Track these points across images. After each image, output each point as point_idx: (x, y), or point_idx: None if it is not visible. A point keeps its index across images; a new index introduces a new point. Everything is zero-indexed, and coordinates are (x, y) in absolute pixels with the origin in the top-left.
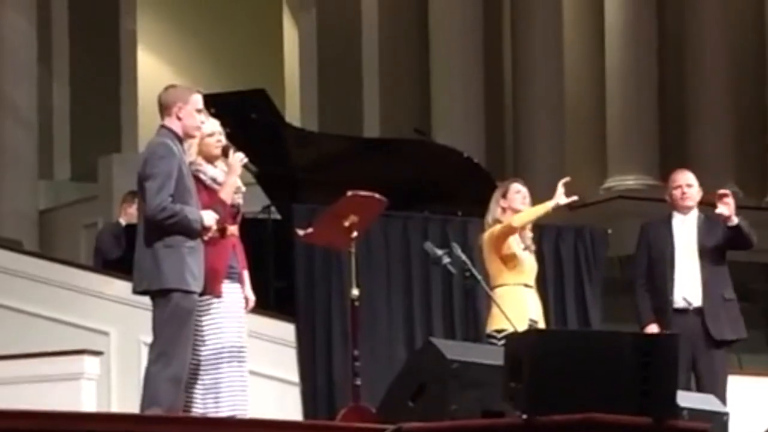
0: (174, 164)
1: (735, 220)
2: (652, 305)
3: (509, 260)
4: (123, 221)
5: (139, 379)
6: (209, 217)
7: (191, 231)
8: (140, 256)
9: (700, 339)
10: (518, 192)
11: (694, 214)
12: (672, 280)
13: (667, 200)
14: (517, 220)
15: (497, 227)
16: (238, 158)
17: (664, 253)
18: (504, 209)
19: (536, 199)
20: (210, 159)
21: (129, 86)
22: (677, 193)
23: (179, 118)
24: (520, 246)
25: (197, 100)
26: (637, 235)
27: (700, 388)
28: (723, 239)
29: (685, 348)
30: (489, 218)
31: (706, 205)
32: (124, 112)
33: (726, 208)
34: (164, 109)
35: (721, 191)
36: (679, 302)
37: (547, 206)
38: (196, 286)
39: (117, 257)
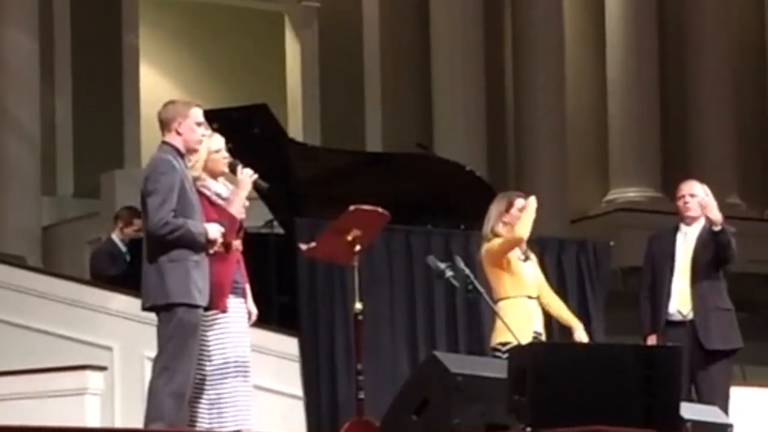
0: (176, 179)
1: (718, 226)
2: (653, 316)
3: (509, 270)
4: (117, 238)
5: (142, 393)
6: (214, 230)
7: (196, 244)
8: (146, 273)
9: (696, 351)
10: (521, 209)
11: (700, 225)
12: (669, 291)
13: (676, 210)
14: (523, 231)
15: (499, 240)
16: (248, 174)
17: (665, 264)
18: (506, 223)
19: (538, 213)
20: (215, 175)
21: (132, 102)
22: (680, 203)
23: (179, 134)
24: (519, 258)
25: (197, 113)
26: (639, 247)
27: (700, 400)
28: (715, 250)
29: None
30: (487, 229)
31: None
32: (126, 127)
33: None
34: (164, 125)
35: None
36: (674, 314)
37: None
38: (202, 300)
39: (112, 276)
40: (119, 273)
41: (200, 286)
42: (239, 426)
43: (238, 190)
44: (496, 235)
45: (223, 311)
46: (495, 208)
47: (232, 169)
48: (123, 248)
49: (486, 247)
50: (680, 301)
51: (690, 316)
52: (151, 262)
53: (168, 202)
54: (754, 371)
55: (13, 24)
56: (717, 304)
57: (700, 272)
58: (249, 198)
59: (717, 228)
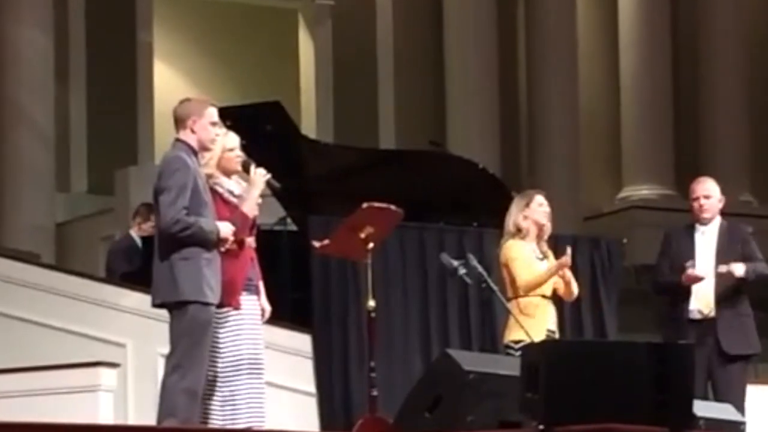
0: (189, 177)
1: (739, 274)
2: (668, 312)
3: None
4: (135, 234)
5: (155, 390)
6: (226, 229)
7: (207, 242)
8: (157, 269)
9: (715, 350)
10: (541, 205)
11: (716, 223)
12: (689, 290)
13: (690, 210)
14: (529, 287)
15: (515, 266)
16: (261, 173)
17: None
18: (525, 217)
19: (551, 210)
20: (228, 173)
21: (145, 99)
22: (695, 205)
23: (194, 132)
24: (537, 258)
25: (212, 113)
26: (652, 245)
27: (717, 398)
28: (740, 257)
29: (701, 357)
30: (510, 224)
31: (729, 215)
32: (140, 124)
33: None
34: (179, 122)
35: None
36: (693, 313)
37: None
38: (214, 297)
39: (127, 271)
40: (134, 269)
41: (212, 284)
42: (252, 423)
43: (251, 189)
44: (519, 230)
45: (236, 308)
46: (515, 205)
47: (246, 168)
48: (140, 244)
49: (504, 249)
50: (700, 301)
51: (711, 314)
52: (163, 259)
53: (180, 199)
54: (767, 369)
55: (28, 22)
56: (739, 310)
57: (722, 275)
58: (262, 195)
59: (743, 276)
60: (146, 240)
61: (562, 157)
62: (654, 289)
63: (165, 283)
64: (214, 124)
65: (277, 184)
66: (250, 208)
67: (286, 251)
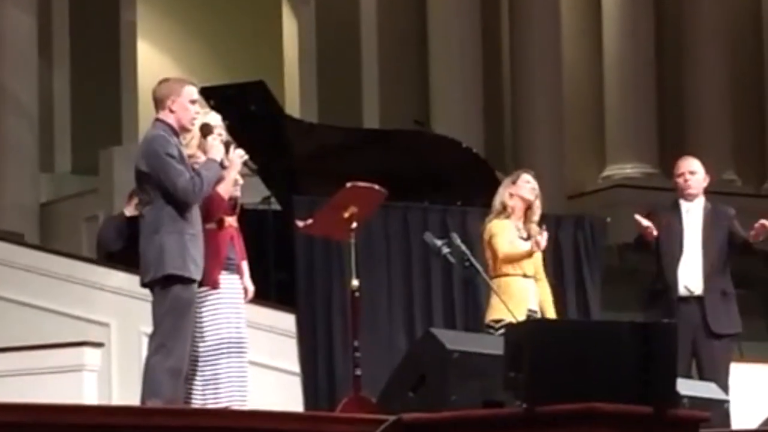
0: (173, 149)
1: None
2: (655, 289)
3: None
4: (127, 212)
5: (139, 370)
6: (218, 153)
7: (219, 175)
8: (145, 248)
9: (701, 328)
10: (528, 182)
11: (700, 202)
12: (677, 268)
13: (675, 187)
14: (507, 259)
15: (496, 240)
16: (238, 155)
17: (672, 240)
18: (512, 195)
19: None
20: (208, 153)
21: (129, 78)
22: (680, 181)
23: (173, 111)
24: (519, 238)
25: (190, 91)
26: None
27: (701, 376)
28: (727, 235)
29: (686, 335)
30: (497, 202)
31: (713, 193)
32: (124, 104)
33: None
34: (158, 103)
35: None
36: (681, 291)
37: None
38: (197, 273)
39: (118, 249)
40: (124, 246)
41: (196, 259)
42: (234, 402)
43: (228, 170)
44: (504, 208)
45: (214, 288)
46: (503, 184)
47: (225, 149)
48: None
49: (487, 229)
50: (688, 279)
51: (697, 292)
52: (151, 237)
53: (179, 166)
54: (750, 347)
55: (12, 1)
56: (724, 289)
57: (710, 253)
58: (246, 174)
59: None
60: (131, 219)
61: (545, 135)
62: (635, 244)
63: (152, 260)
64: (193, 102)
65: (253, 166)
66: (226, 188)
67: (270, 231)
